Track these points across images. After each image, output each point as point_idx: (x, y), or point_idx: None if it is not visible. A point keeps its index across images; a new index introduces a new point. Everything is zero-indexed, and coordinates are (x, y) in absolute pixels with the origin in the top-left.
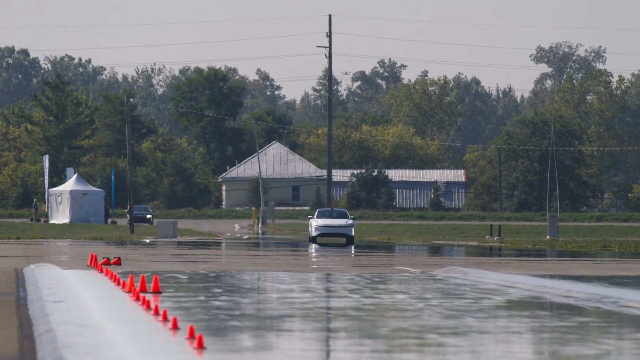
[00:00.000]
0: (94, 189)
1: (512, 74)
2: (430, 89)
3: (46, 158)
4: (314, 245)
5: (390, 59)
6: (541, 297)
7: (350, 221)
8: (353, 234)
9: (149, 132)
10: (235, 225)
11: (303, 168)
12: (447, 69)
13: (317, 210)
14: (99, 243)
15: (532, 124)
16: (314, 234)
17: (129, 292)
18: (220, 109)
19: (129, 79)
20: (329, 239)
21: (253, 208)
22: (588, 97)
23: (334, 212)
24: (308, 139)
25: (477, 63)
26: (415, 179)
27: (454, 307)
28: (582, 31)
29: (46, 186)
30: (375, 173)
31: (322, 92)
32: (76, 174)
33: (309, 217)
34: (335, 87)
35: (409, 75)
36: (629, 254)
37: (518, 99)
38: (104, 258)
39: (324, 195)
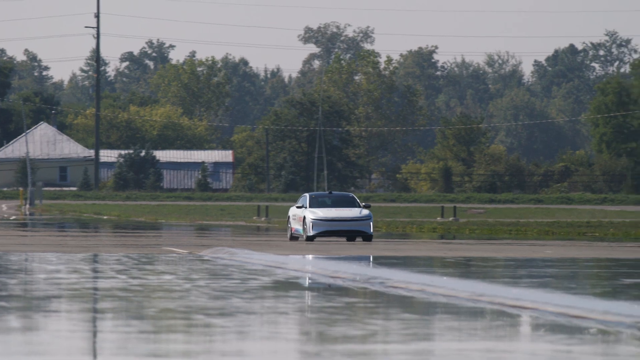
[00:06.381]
0: None
1: (280, 54)
2: (198, 69)
3: None
4: (80, 226)
5: (158, 40)
6: (308, 278)
7: (365, 211)
8: (372, 230)
9: None
10: (3, 205)
11: (71, 149)
12: (215, 50)
13: (308, 196)
14: None
15: (300, 105)
16: (311, 232)
17: None
18: None
19: None
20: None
21: (21, 189)
22: (356, 78)
23: (336, 198)
24: (76, 119)
25: (245, 43)
26: (183, 160)
27: (221, 287)
28: (350, 11)
29: None
30: (143, 154)
31: (90, 72)
32: None
33: (297, 206)
34: (103, 68)
35: (177, 56)
36: (397, 234)
37: (286, 80)
38: None
39: (91, 175)
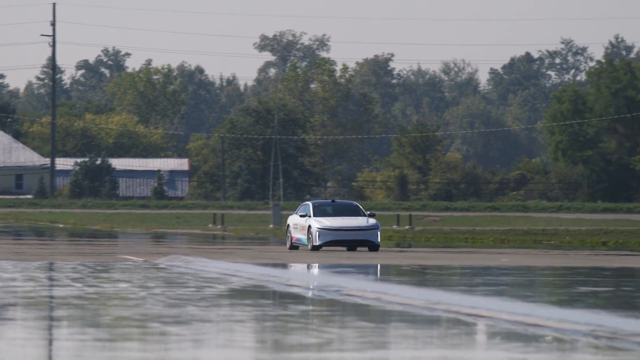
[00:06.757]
0: None
1: (236, 62)
2: (154, 77)
3: None
4: (35, 234)
5: (114, 48)
6: (264, 286)
7: (372, 220)
8: (379, 240)
9: None
10: None
11: (27, 157)
12: (171, 58)
13: (311, 204)
14: None
15: (255, 113)
16: (317, 241)
17: None
18: None
19: None
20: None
21: None
22: (312, 86)
23: (340, 207)
24: (32, 127)
25: (201, 51)
26: (139, 168)
27: (177, 295)
28: (306, 20)
29: None
30: (98, 162)
31: (46, 80)
32: None
33: (300, 214)
34: (59, 76)
35: (133, 64)
36: None
37: (242, 88)
38: None
39: (47, 184)
